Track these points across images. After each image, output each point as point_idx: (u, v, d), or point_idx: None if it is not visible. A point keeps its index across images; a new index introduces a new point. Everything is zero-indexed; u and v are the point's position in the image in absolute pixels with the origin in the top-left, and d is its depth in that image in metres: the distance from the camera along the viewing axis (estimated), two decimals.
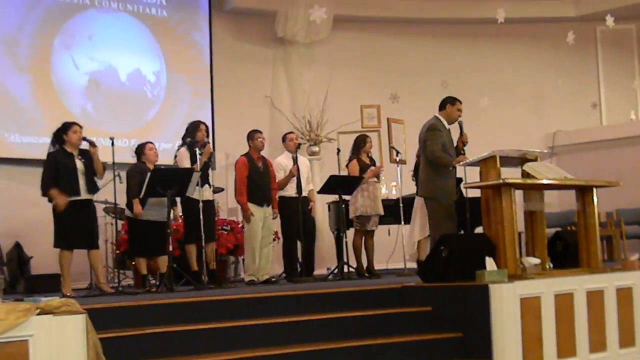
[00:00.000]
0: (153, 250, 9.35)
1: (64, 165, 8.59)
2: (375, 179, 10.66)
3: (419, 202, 10.26)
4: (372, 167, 10.70)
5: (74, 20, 12.84)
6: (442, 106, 8.74)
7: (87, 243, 8.77)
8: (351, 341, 6.65)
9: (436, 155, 8.35)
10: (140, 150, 9.62)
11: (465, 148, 8.68)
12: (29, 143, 12.10)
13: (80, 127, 8.83)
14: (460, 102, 8.73)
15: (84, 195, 8.66)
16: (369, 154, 10.94)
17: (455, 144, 8.69)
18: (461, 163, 8.08)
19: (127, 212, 9.46)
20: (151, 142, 9.75)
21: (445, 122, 8.63)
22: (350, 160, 10.79)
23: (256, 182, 9.97)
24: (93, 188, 8.80)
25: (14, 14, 12.28)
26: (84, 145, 8.76)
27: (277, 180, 10.31)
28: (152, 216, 9.11)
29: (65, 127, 8.76)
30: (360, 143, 10.85)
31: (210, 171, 9.82)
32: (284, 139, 10.70)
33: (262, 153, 10.23)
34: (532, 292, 6.81)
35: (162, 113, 13.56)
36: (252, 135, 10.18)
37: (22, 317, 4.56)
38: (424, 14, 15.31)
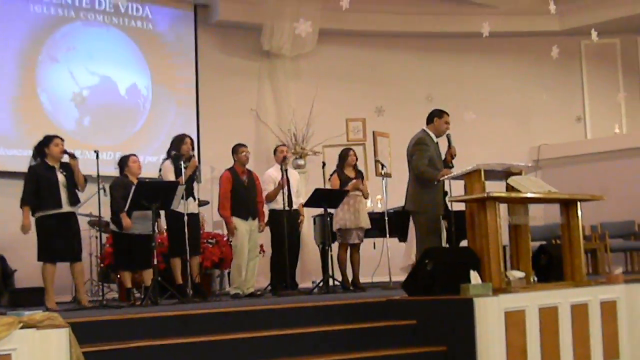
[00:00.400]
0: (138, 263, 9.32)
1: (45, 179, 8.59)
2: (358, 192, 10.64)
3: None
4: (353, 181, 10.68)
5: (59, 33, 12.82)
6: (430, 119, 8.75)
7: (70, 256, 8.73)
8: (336, 354, 6.63)
9: (421, 170, 8.38)
10: (123, 162, 9.59)
11: (453, 161, 8.69)
12: (12, 156, 12.05)
13: (62, 139, 8.83)
14: (448, 115, 8.75)
15: (65, 208, 8.64)
16: (356, 167, 10.94)
17: (443, 157, 8.70)
18: (446, 177, 8.09)
19: (112, 226, 9.43)
20: (134, 155, 9.73)
21: (433, 136, 8.66)
22: (332, 174, 10.81)
23: (240, 196, 9.98)
24: (75, 201, 8.78)
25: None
26: (65, 158, 8.75)
27: (266, 193, 10.32)
28: (137, 229, 9.09)
29: (47, 140, 8.75)
30: (344, 157, 10.87)
31: (195, 184, 9.80)
32: (274, 151, 10.73)
33: (248, 166, 10.23)
34: (517, 305, 6.82)
35: (147, 126, 13.54)
36: (236, 150, 10.19)
37: (5, 331, 4.54)
38: (409, 28, 15.34)
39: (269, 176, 10.54)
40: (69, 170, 8.75)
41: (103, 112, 13.10)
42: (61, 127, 12.15)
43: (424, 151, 8.44)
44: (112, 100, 13.25)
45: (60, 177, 8.66)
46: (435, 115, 8.73)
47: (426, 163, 8.36)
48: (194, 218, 9.60)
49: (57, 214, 8.57)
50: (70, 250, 8.73)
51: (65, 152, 8.72)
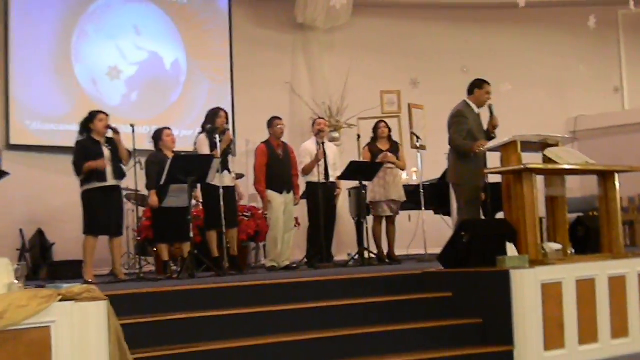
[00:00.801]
0: (175, 236, 9.39)
1: (91, 153, 8.70)
2: (390, 165, 10.58)
3: None
4: (383, 153, 10.61)
5: (94, 8, 12.90)
6: (470, 90, 8.61)
7: (112, 230, 8.85)
8: (372, 326, 6.64)
9: (456, 143, 8.32)
10: (157, 136, 9.65)
11: (495, 131, 8.58)
12: (50, 130, 12.18)
13: (106, 115, 8.96)
14: (489, 85, 8.59)
15: (110, 181, 8.76)
16: (390, 139, 10.87)
17: (486, 128, 8.61)
18: (482, 148, 8.02)
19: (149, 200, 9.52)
20: (168, 128, 9.79)
21: (474, 107, 8.53)
22: (364, 147, 10.78)
23: (276, 169, 9.98)
24: (120, 175, 8.91)
25: (35, 1, 12.32)
26: (109, 133, 8.88)
27: (303, 166, 10.32)
28: (174, 203, 9.13)
29: (91, 116, 8.91)
30: (375, 129, 10.83)
31: (230, 158, 9.81)
32: (313, 124, 10.73)
33: (282, 139, 10.23)
34: (554, 277, 6.78)
35: (182, 100, 13.59)
36: (271, 122, 10.19)
37: (44, 304, 4.58)
38: None
39: (306, 149, 10.53)
40: (114, 144, 8.87)
41: (138, 86, 13.19)
42: (97, 101, 12.23)
43: (460, 124, 8.34)
44: (146, 74, 13.32)
45: (106, 152, 8.79)
46: (476, 86, 8.58)
47: (463, 135, 8.27)
48: (230, 191, 9.62)
49: (102, 187, 8.70)
50: (114, 225, 8.87)
51: (108, 127, 8.85)
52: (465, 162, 8.28)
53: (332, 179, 10.45)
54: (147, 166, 9.39)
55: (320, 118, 11.03)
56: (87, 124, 8.87)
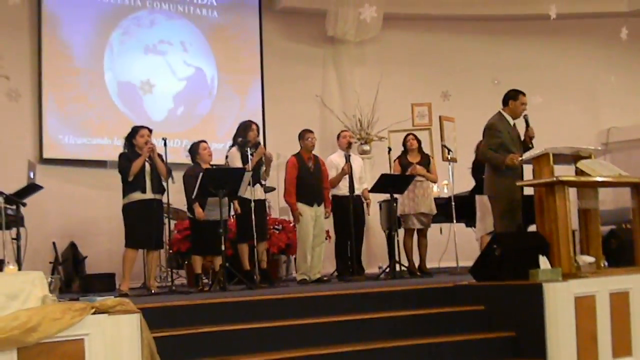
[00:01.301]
0: (210, 248, 9.40)
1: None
2: (420, 178, 10.56)
3: (479, 199, 10.29)
4: (413, 166, 10.60)
5: (126, 21, 13.00)
6: (505, 101, 8.53)
7: (153, 244, 8.95)
8: (403, 340, 6.62)
9: (487, 157, 8.30)
10: (194, 150, 9.70)
11: (533, 142, 8.51)
12: (82, 144, 12.28)
13: (149, 130, 9.16)
14: (524, 95, 8.53)
15: (149, 195, 8.89)
16: (421, 151, 10.86)
17: (522, 139, 8.55)
18: (515, 162, 7.96)
19: (189, 213, 9.59)
20: (204, 141, 9.83)
21: (509, 118, 8.47)
22: (395, 160, 10.78)
23: (306, 181, 9.99)
24: (159, 189, 9.02)
25: (67, 15, 12.45)
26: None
27: (329, 179, 10.34)
28: (212, 216, 9.14)
29: (134, 131, 9.11)
30: (404, 142, 10.84)
31: (262, 171, 9.82)
32: (338, 136, 10.74)
33: (313, 152, 10.24)
34: (587, 290, 6.74)
35: (213, 114, 13.66)
36: (302, 135, 10.21)
37: (78, 317, 4.62)
38: (474, 11, 15.19)
39: (331, 162, 10.54)
40: (152, 159, 9.01)
41: (170, 100, 13.24)
42: (129, 115, 12.32)
43: (492, 137, 8.29)
44: (178, 88, 13.38)
45: (146, 166, 8.90)
46: (510, 97, 8.50)
47: (494, 149, 8.22)
48: (261, 204, 9.65)
49: (142, 200, 8.83)
50: (155, 238, 8.99)
51: (147, 143, 8.97)
52: (500, 175, 8.19)
53: (357, 192, 10.42)
54: (185, 180, 9.43)
55: (345, 130, 11.02)
56: (130, 138, 9.04)
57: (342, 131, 10.96)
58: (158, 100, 13.11)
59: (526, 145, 8.41)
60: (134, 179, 8.81)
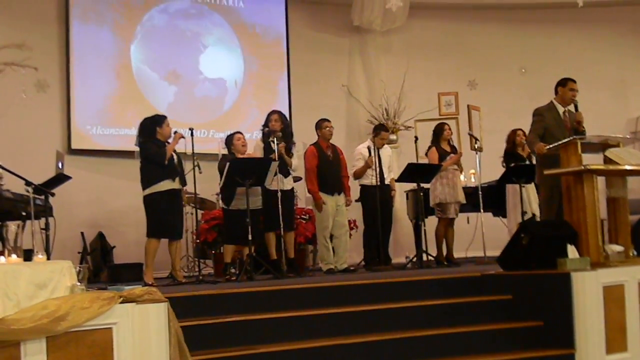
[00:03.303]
0: (242, 238, 9.39)
1: (158, 156, 8.81)
2: (455, 167, 10.58)
3: (509, 189, 10.30)
4: (452, 155, 10.62)
5: (153, 12, 13.03)
6: (555, 90, 8.70)
7: (175, 234, 8.93)
8: (430, 330, 6.62)
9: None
10: (229, 141, 9.76)
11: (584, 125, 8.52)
12: (110, 135, 12.33)
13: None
14: (574, 82, 8.65)
15: (177, 184, 8.90)
16: (450, 142, 10.87)
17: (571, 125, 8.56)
18: (543, 150, 7.93)
19: (221, 202, 9.62)
20: (239, 132, 9.85)
21: (559, 106, 8.57)
22: (429, 148, 10.75)
23: (326, 171, 9.98)
24: (184, 181, 9.04)
25: (95, 5, 12.51)
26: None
27: (355, 169, 10.33)
28: (243, 205, 9.12)
29: (160, 120, 9.05)
30: (439, 131, 10.79)
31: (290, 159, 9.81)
32: (376, 133, 10.61)
33: (339, 142, 10.23)
34: (616, 280, 6.69)
35: (239, 104, 13.67)
36: (320, 124, 10.21)
37: (106, 306, 4.64)
38: (501, 0, 15.10)
39: (359, 152, 10.53)
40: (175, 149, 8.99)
41: (196, 90, 13.27)
42: (156, 105, 12.34)
43: (535, 122, 8.45)
44: (203, 78, 13.40)
45: (174, 156, 8.92)
46: (560, 84, 8.68)
47: (539, 134, 8.33)
48: (288, 194, 9.65)
49: (169, 190, 8.80)
50: (177, 228, 9.00)
51: (175, 132, 8.99)
52: (546, 162, 8.17)
53: (387, 182, 10.42)
54: (219, 169, 9.43)
55: (385, 131, 10.90)
56: (152, 127, 8.93)
57: (382, 130, 10.70)
58: (184, 91, 13.13)
59: (578, 129, 8.39)
60: (160, 169, 8.76)
